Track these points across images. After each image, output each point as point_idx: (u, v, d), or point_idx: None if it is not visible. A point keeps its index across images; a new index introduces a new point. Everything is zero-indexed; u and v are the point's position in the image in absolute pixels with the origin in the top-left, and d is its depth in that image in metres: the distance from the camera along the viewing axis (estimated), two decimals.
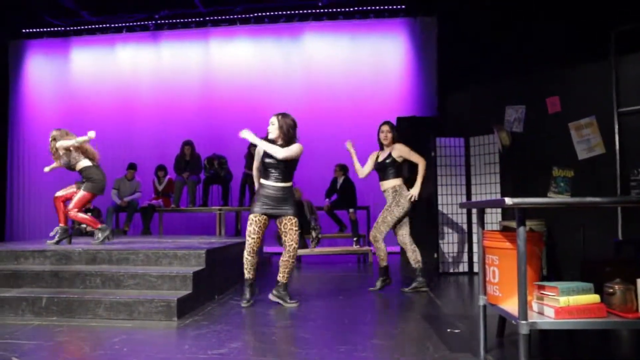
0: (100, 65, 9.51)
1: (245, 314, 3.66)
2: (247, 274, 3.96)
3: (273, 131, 3.89)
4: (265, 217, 3.87)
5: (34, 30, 9.56)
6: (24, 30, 9.57)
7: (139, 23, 9.23)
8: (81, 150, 5.00)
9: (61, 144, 4.95)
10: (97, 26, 9.28)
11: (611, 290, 2.14)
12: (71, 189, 5.21)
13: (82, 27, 9.34)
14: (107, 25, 9.25)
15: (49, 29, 9.48)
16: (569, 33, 5.41)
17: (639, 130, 4.75)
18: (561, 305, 2.09)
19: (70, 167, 5.08)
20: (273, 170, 3.87)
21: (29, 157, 9.57)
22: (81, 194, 4.95)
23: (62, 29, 9.41)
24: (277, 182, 3.87)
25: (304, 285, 5.18)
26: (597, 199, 2.13)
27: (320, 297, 4.45)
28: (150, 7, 8.87)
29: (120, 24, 9.25)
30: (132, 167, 7.97)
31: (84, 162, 5.00)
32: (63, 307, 3.54)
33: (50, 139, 5.11)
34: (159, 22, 9.18)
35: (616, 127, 4.89)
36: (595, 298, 2.14)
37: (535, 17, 5.83)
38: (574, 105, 5.22)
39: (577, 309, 2.10)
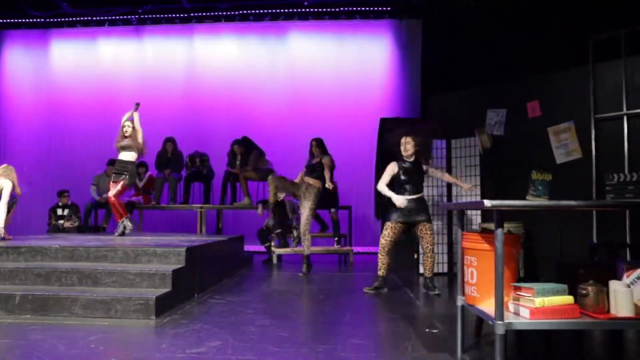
0: (81, 59, 9.31)
1: (225, 312, 3.64)
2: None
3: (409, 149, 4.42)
4: (400, 224, 4.40)
5: (12, 20, 9.31)
6: (0, 21, 9.32)
7: (121, 17, 9.07)
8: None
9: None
10: (78, 19, 9.09)
11: (584, 291, 2.19)
12: (114, 186, 5.37)
13: (63, 19, 9.13)
14: (89, 18, 9.07)
15: (27, 20, 9.25)
16: (550, 40, 5.52)
17: (615, 136, 4.87)
18: (536, 306, 2.13)
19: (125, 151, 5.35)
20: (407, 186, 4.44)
21: (4, 151, 9.33)
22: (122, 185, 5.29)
23: (42, 20, 9.19)
24: (412, 194, 4.42)
25: (284, 285, 5.17)
26: (573, 203, 2.18)
27: (301, 296, 4.45)
28: (133, 1, 8.73)
29: (102, 18, 9.08)
30: (112, 163, 7.80)
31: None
32: (37, 305, 3.47)
33: (128, 120, 5.42)
34: (142, 16, 9.04)
35: (593, 132, 5.01)
36: (569, 299, 2.19)
37: (518, 24, 5.93)
38: (554, 110, 5.32)
39: (552, 309, 2.14)
